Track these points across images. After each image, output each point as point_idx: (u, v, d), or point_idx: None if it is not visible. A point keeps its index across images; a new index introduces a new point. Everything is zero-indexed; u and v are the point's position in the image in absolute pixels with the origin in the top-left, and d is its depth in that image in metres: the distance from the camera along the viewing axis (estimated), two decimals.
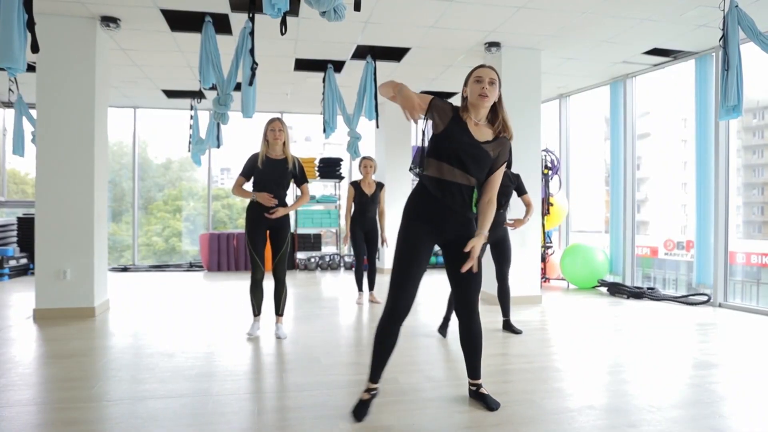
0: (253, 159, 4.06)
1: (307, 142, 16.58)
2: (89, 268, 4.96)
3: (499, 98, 2.59)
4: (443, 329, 4.25)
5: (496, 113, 2.60)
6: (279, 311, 4.21)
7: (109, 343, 4.03)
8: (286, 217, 4.14)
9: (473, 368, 2.78)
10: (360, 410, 2.53)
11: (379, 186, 5.73)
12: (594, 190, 11.93)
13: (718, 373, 3.35)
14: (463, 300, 2.67)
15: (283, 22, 3.55)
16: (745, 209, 18.36)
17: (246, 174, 4.07)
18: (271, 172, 4.02)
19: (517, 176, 4.36)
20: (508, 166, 4.18)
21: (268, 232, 4.11)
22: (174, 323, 4.65)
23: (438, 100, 2.54)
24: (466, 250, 2.48)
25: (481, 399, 2.74)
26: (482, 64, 2.62)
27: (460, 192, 2.52)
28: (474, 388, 2.79)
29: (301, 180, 4.21)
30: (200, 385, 3.05)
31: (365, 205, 5.63)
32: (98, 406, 2.70)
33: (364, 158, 5.61)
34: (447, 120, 2.51)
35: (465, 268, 2.49)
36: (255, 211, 4.06)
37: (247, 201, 4.15)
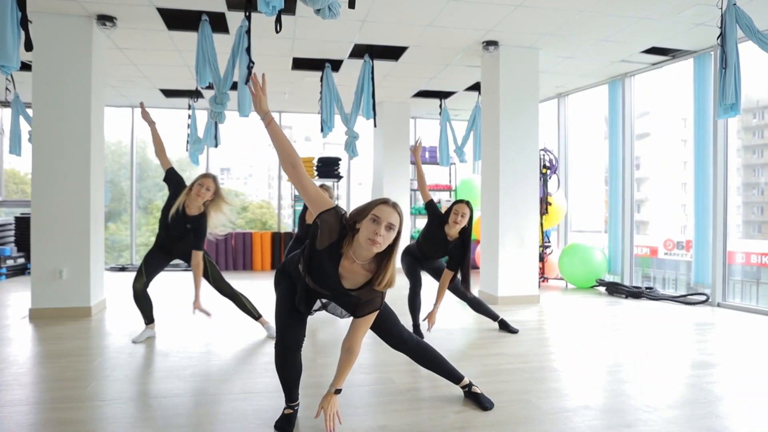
0: (177, 190, 3.81)
1: (307, 142, 16.59)
2: (85, 267, 4.95)
3: (394, 246, 2.13)
4: (416, 333, 4.11)
5: (381, 259, 2.15)
6: (255, 315, 4.16)
7: (105, 343, 4.01)
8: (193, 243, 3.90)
9: (449, 376, 2.78)
10: (284, 424, 2.42)
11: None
12: (593, 190, 11.92)
13: (715, 373, 3.33)
14: (387, 336, 2.62)
15: (278, 21, 3.54)
16: (745, 209, 18.35)
17: (170, 173, 3.84)
18: (176, 227, 3.80)
19: (461, 244, 3.83)
20: (467, 237, 3.82)
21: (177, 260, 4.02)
22: (170, 323, 4.64)
23: (330, 215, 2.11)
24: (316, 416, 2.34)
25: (474, 398, 2.73)
26: (386, 200, 2.13)
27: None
28: (465, 389, 2.78)
29: (197, 242, 3.80)
30: (195, 385, 3.03)
31: None
32: (92, 406, 2.69)
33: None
34: (324, 244, 2.14)
35: (328, 430, 2.29)
36: (164, 245, 3.95)
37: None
